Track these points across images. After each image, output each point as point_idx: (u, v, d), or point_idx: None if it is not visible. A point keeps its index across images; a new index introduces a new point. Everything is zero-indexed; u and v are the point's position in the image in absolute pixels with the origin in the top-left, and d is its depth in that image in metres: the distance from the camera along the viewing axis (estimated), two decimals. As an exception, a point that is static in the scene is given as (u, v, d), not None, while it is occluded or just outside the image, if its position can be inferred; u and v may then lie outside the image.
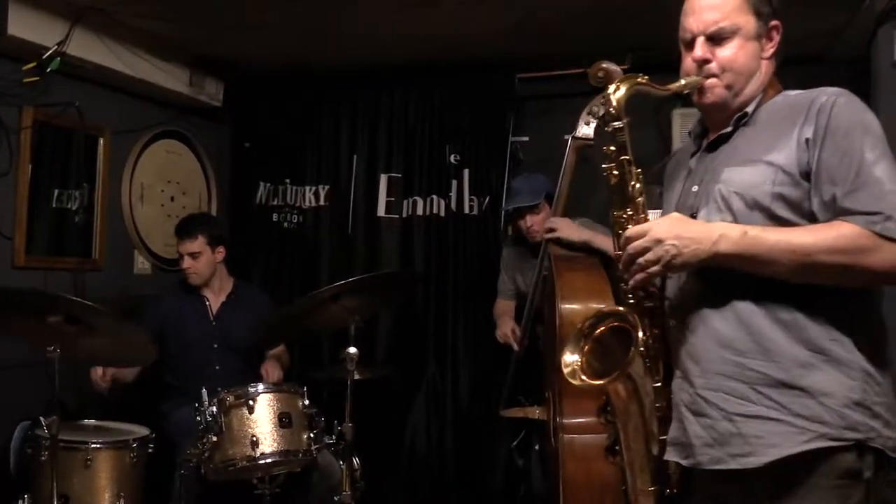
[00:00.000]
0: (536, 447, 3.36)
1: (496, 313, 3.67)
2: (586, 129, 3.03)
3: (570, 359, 1.59)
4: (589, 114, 3.04)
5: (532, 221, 3.42)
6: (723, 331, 1.50)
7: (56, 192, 3.61)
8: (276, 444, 2.84)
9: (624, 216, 1.58)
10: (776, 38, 1.62)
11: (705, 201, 1.57)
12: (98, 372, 3.13)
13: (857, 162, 1.43)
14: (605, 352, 1.59)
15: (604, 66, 2.67)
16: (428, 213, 4.24)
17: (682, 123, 3.80)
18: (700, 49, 1.59)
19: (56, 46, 3.27)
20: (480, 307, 4.05)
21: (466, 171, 4.19)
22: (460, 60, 4.05)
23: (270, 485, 2.90)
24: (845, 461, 1.43)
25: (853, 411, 1.43)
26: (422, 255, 4.24)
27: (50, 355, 2.53)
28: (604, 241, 2.94)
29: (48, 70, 3.29)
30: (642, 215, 1.58)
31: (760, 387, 1.46)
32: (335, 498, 2.86)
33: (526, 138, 4.24)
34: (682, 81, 1.62)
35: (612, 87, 1.56)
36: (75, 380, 3.07)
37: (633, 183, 1.58)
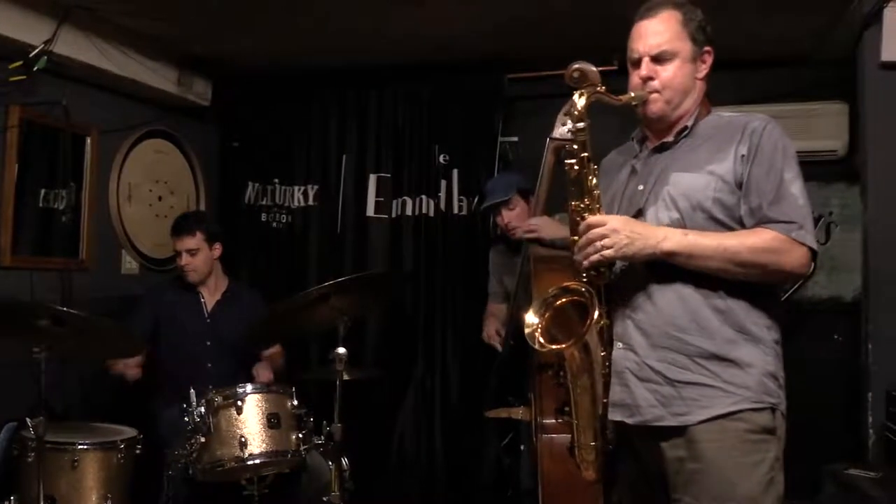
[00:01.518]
0: (522, 447, 3.36)
1: (485, 316, 3.68)
2: (563, 130, 3.04)
3: (532, 320, 1.84)
4: (566, 115, 3.04)
5: (508, 217, 3.43)
6: (668, 311, 1.79)
7: (43, 191, 3.59)
8: (264, 445, 2.83)
9: (581, 206, 1.85)
10: (709, 61, 1.91)
11: (654, 200, 1.84)
12: (122, 365, 3.22)
13: (779, 179, 1.76)
14: (563, 321, 1.83)
15: (578, 66, 2.68)
16: (417, 213, 4.24)
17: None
18: (645, 68, 1.86)
19: (43, 45, 3.25)
20: (469, 307, 4.06)
21: (455, 172, 4.20)
22: (449, 61, 4.05)
23: (259, 485, 2.90)
24: (763, 419, 1.75)
25: (769, 380, 1.77)
26: (411, 256, 4.24)
27: (36, 356, 2.52)
28: None
29: (35, 69, 3.27)
30: (597, 206, 1.84)
31: (698, 358, 1.77)
32: (324, 499, 2.85)
33: (515, 139, 4.25)
34: (632, 94, 1.89)
35: (576, 95, 1.82)
36: (62, 380, 3.05)
37: (590, 178, 1.84)
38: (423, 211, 4.23)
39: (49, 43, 3.27)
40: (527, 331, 1.84)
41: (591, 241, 1.78)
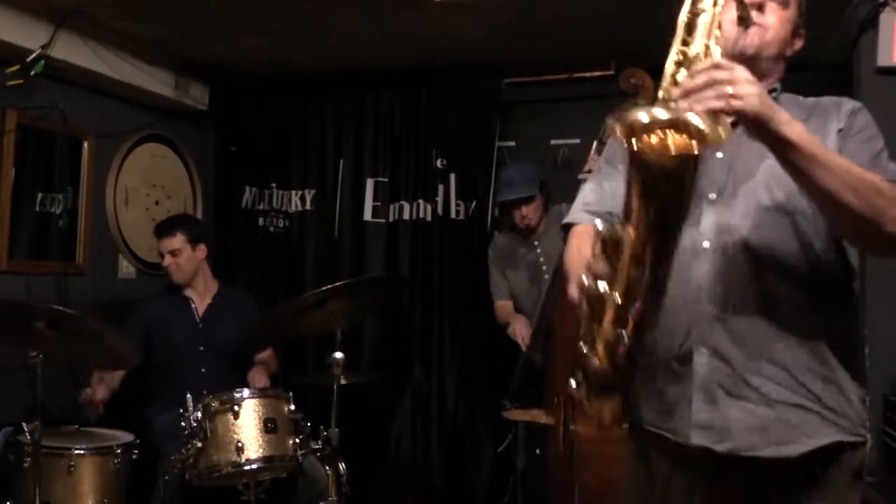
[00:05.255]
0: (537, 451, 3.33)
1: (502, 315, 3.69)
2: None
3: (659, 114, 1.19)
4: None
5: (527, 211, 3.51)
6: (768, 315, 1.48)
7: (39, 195, 3.59)
8: (261, 450, 2.82)
9: (687, 52, 1.34)
10: (798, 44, 1.65)
11: (746, 175, 1.50)
12: (90, 393, 3.13)
13: (877, 151, 1.51)
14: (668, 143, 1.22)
15: (636, 73, 2.62)
16: (414, 217, 4.24)
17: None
18: None
19: (40, 49, 3.25)
20: (466, 312, 4.06)
21: (453, 176, 4.20)
22: (447, 64, 4.05)
23: (256, 491, 2.89)
24: (857, 457, 1.51)
25: (864, 409, 1.52)
26: (408, 260, 4.23)
27: (32, 360, 2.51)
28: None
29: (32, 73, 3.27)
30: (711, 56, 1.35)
31: (800, 375, 1.47)
32: (321, 503, 2.85)
33: (512, 143, 4.26)
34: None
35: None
36: (58, 385, 3.05)
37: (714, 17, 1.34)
38: (421, 215, 4.23)
39: (46, 47, 3.27)
40: (640, 119, 1.19)
41: (716, 82, 1.27)
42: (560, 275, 2.99)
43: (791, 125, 1.32)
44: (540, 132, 4.17)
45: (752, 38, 1.55)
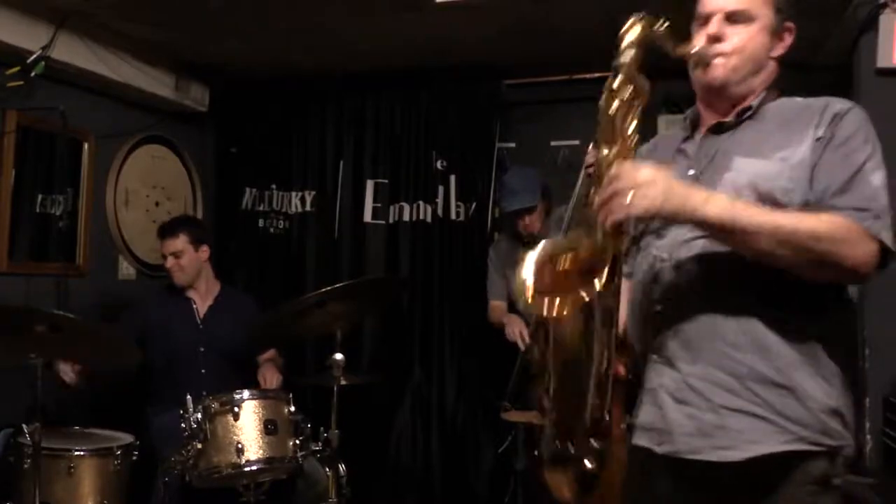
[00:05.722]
0: (535, 452, 3.33)
1: (496, 315, 3.68)
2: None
3: (525, 275, 1.48)
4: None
5: (530, 220, 3.53)
6: (717, 323, 1.49)
7: (39, 196, 3.58)
8: (261, 452, 2.82)
9: (611, 153, 1.47)
10: (787, 41, 1.63)
11: (711, 186, 1.51)
12: (67, 365, 3.05)
13: (857, 167, 1.46)
14: (564, 284, 1.47)
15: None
16: (414, 218, 4.24)
17: (667, 129, 3.82)
18: (716, 25, 1.57)
19: (40, 50, 3.25)
20: (466, 313, 4.06)
21: (453, 177, 4.19)
22: (447, 66, 4.05)
23: (256, 492, 2.89)
24: (818, 468, 1.44)
25: (830, 418, 1.45)
26: (408, 261, 4.23)
27: (32, 362, 2.51)
28: None
29: (32, 74, 3.27)
30: (632, 154, 1.48)
31: (749, 381, 1.46)
32: (321, 505, 2.86)
33: (513, 144, 4.25)
34: (696, 47, 1.57)
35: (627, 25, 1.50)
36: (58, 386, 3.04)
37: (630, 118, 1.48)
38: (421, 216, 4.22)
39: (47, 48, 3.27)
40: (518, 282, 1.48)
41: (618, 193, 1.39)
42: None
43: (706, 204, 1.39)
44: (540, 133, 4.17)
45: (713, 73, 1.58)
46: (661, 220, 1.51)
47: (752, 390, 1.46)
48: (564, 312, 1.42)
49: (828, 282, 1.48)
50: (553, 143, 4.15)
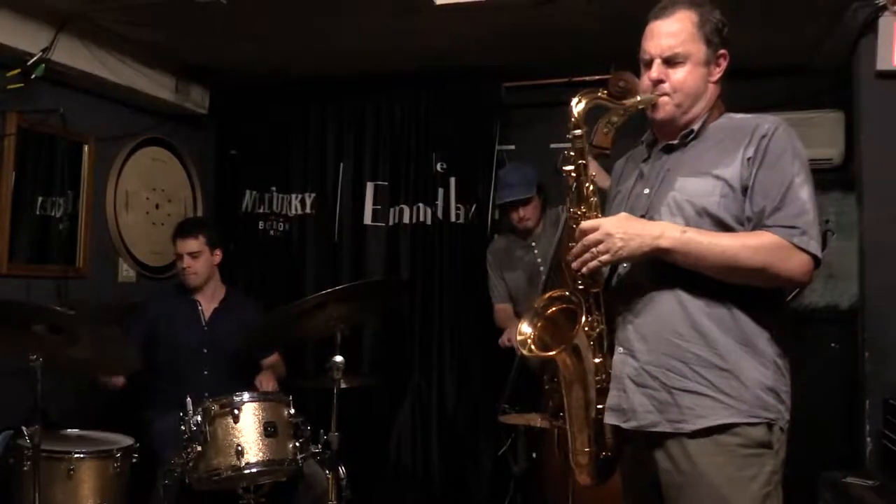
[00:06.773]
0: (534, 455, 3.33)
1: (501, 319, 3.71)
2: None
3: (526, 330, 1.88)
4: (609, 123, 3.04)
5: (524, 213, 3.56)
6: (669, 317, 1.77)
7: (40, 199, 3.59)
8: (261, 454, 2.82)
9: (579, 213, 1.85)
10: (723, 64, 1.87)
11: (658, 204, 1.81)
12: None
13: (787, 183, 1.71)
14: (555, 329, 1.87)
15: (625, 76, 2.65)
16: (414, 221, 4.24)
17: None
18: (656, 71, 1.83)
19: (41, 53, 3.25)
20: (466, 316, 4.06)
21: (453, 180, 4.20)
22: (446, 69, 4.06)
23: (255, 494, 2.89)
24: (758, 434, 1.71)
25: (766, 395, 1.72)
26: (408, 264, 4.24)
27: (32, 364, 2.51)
28: None
29: (33, 76, 3.27)
30: (594, 213, 1.84)
31: (696, 366, 1.73)
32: (320, 507, 2.85)
33: (512, 147, 4.25)
34: (638, 98, 1.86)
35: (574, 100, 1.85)
36: (58, 389, 3.04)
37: (587, 185, 1.85)
38: (421, 219, 4.23)
39: (47, 51, 3.27)
40: (519, 338, 1.87)
41: (586, 248, 1.76)
42: (556, 268, 3.00)
43: (660, 239, 1.71)
44: (539, 136, 4.16)
45: (661, 114, 1.85)
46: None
47: (699, 373, 1.73)
48: (558, 352, 1.82)
49: (775, 288, 1.77)
50: (552, 146, 4.13)
